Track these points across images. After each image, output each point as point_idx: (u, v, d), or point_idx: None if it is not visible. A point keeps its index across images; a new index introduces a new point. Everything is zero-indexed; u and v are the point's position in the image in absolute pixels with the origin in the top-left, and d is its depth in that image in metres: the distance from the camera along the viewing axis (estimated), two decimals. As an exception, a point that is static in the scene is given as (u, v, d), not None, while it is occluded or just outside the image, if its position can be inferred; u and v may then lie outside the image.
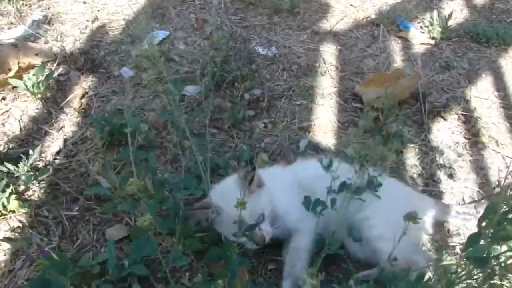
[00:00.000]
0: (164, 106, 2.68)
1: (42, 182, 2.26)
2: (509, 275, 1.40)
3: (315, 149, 2.51)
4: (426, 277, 1.54)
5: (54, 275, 1.68)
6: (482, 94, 2.95)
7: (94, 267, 1.86)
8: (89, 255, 1.97)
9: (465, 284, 1.39)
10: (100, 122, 2.40)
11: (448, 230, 2.15)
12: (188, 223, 1.90)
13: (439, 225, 2.15)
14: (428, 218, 2.07)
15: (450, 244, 2.08)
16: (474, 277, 1.33)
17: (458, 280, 1.36)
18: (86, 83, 2.86)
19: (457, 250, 2.06)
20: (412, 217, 1.37)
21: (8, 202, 2.10)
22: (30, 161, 2.29)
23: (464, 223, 2.14)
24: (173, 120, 2.06)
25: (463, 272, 1.36)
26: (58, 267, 1.70)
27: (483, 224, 1.32)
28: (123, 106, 2.68)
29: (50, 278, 1.67)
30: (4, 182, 2.15)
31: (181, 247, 1.83)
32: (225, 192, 1.85)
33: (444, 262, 1.69)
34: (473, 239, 1.31)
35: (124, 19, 3.37)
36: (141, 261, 1.88)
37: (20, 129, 2.55)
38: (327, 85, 2.96)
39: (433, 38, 3.36)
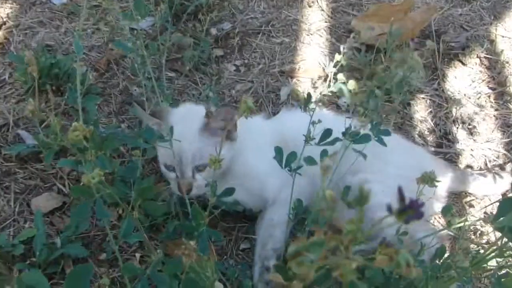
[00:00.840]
0: (108, 42, 2.60)
1: None
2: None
3: (300, 99, 2.46)
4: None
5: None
6: (511, 33, 2.93)
7: (16, 247, 1.79)
8: (10, 232, 1.90)
9: (496, 264, 1.36)
10: (23, 61, 2.30)
11: (467, 203, 2.14)
12: (147, 189, 1.83)
13: (456, 196, 2.14)
14: (441, 187, 2.05)
15: (470, 219, 2.08)
16: (507, 253, 1.30)
17: (487, 258, 1.33)
18: (3, 10, 2.74)
19: (478, 226, 2.05)
20: (428, 179, 1.33)
21: None
22: None
23: (486, 194, 2.12)
24: (127, 51, 1.97)
25: (491, 249, 1.32)
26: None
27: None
28: (54, 42, 2.58)
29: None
30: None
31: (139, 217, 1.77)
32: (187, 118, 1.82)
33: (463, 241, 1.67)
34: (505, 206, 1.28)
35: None
36: (77, 239, 1.83)
37: None
38: (315, 19, 2.90)
39: (449, -39, 3.31)
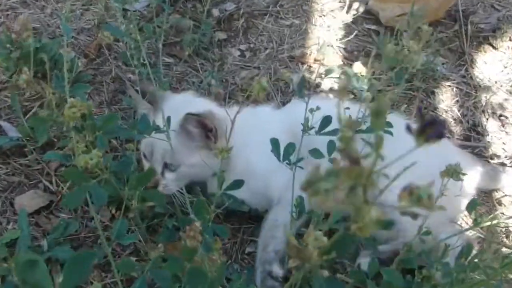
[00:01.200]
0: (98, 24, 2.61)
1: None
2: None
3: (312, 87, 2.46)
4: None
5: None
6: (546, 13, 2.93)
7: (-1, 250, 1.81)
8: (-8, 234, 1.92)
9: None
10: (4, 45, 2.31)
11: (497, 200, 2.14)
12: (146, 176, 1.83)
13: (485, 195, 2.14)
14: (469, 184, 2.05)
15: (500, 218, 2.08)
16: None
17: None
18: (-17, -10, 2.75)
19: (511, 228, 2.05)
20: (453, 171, 1.33)
21: None
22: None
23: None
24: (118, 36, 1.98)
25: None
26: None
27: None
28: (39, 24, 2.59)
29: None
30: None
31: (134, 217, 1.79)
32: (178, 110, 1.81)
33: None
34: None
35: None
36: (65, 241, 1.84)
37: None
38: (329, -1, 2.91)
39: None
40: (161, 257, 1.78)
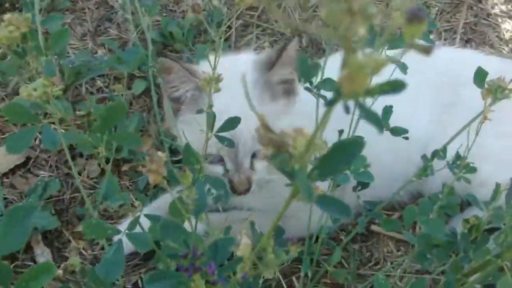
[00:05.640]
0: None
1: None
2: None
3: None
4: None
5: None
6: None
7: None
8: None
9: None
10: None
11: None
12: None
13: None
14: None
15: None
16: None
17: None
18: None
19: None
20: (497, 88, 1.20)
21: None
22: None
23: None
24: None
25: None
26: None
27: None
28: None
29: None
30: None
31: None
32: (232, 78, 1.25)
33: None
34: None
35: None
36: (47, 205, 1.81)
37: None
38: None
39: None
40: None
